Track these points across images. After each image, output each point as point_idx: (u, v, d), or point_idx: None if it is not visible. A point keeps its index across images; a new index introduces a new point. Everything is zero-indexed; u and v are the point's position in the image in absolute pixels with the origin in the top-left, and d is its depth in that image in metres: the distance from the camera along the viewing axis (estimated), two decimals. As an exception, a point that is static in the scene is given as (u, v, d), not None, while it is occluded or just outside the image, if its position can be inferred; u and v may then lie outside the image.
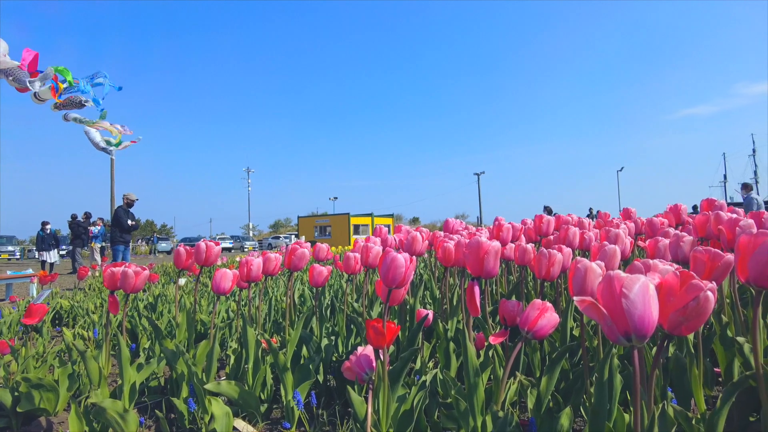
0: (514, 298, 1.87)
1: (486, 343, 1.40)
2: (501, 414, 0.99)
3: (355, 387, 1.40)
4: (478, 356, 1.41)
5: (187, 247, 1.90)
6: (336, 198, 49.05)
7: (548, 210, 10.02)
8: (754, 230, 1.27)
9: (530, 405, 1.26)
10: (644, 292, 0.60)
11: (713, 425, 1.03)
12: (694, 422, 1.07)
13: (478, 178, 39.25)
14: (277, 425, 1.60)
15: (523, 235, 2.16)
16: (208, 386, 1.54)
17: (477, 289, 1.10)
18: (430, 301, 2.27)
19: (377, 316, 1.99)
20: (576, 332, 1.65)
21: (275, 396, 1.79)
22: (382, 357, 1.03)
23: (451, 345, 1.52)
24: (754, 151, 45.13)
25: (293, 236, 29.33)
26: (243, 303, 3.00)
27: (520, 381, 1.35)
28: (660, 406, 0.98)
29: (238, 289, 3.08)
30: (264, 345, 1.68)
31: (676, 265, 1.11)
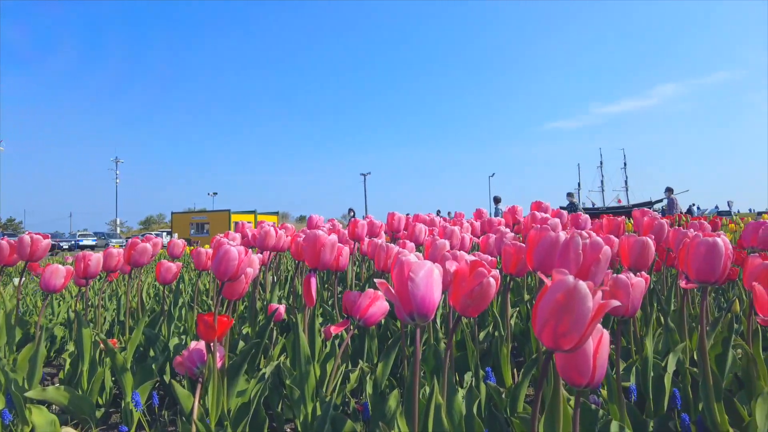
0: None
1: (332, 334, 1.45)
2: (327, 398, 1.04)
3: (186, 383, 1.36)
4: (324, 347, 1.45)
5: (11, 241, 1.69)
6: (216, 193, 46.60)
7: (496, 199, 10.51)
8: (559, 229, 1.47)
9: (369, 390, 1.33)
10: (428, 277, 0.68)
11: (516, 396, 1.18)
12: (504, 395, 1.22)
13: (365, 179, 39.98)
14: (114, 430, 1.50)
15: (383, 232, 2.27)
16: (29, 393, 1.39)
17: (314, 281, 1.14)
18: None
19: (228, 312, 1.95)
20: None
21: (116, 400, 1.67)
22: (213, 350, 1.02)
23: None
24: (601, 163, 51.84)
25: (166, 233, 27.28)
26: (91, 303, 2.74)
27: (361, 368, 1.42)
28: (469, 382, 1.10)
29: (87, 288, 2.80)
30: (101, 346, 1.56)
31: (485, 256, 1.25)
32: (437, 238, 1.36)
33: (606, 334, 0.66)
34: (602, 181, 51.60)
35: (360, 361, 1.47)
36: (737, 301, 1.67)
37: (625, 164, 51.17)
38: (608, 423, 0.87)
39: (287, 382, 1.15)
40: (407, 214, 2.59)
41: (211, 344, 1.02)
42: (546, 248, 0.90)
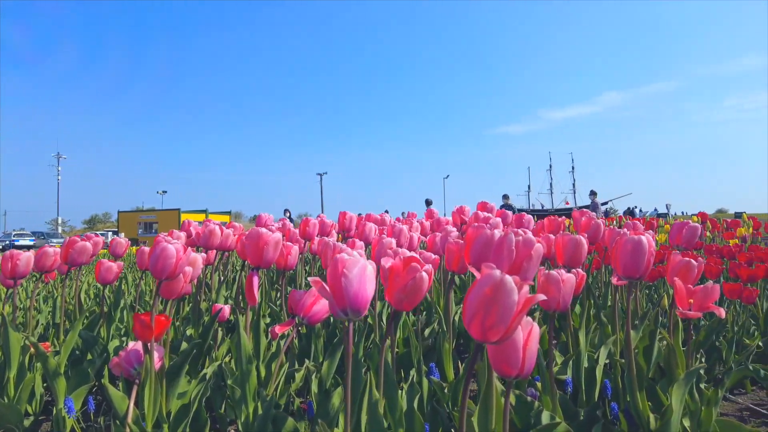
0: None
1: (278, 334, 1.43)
2: (268, 397, 1.03)
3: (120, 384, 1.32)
4: (270, 347, 1.44)
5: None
6: (165, 192, 44.90)
7: (428, 202, 10.71)
8: (499, 227, 1.52)
9: (314, 389, 1.33)
10: (361, 273, 0.69)
11: (458, 390, 1.21)
12: (447, 390, 1.24)
13: (321, 179, 39.68)
14: (44, 439, 1.43)
15: (334, 231, 2.27)
16: (-52, 404, 1.30)
17: (256, 280, 1.12)
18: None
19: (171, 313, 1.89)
20: (370, 319, 1.79)
21: (48, 407, 1.59)
22: (150, 350, 0.99)
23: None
24: (550, 166, 53.67)
25: (111, 233, 26.11)
26: (23, 305, 2.60)
27: (307, 367, 1.42)
28: (411, 378, 1.12)
29: (22, 289, 2.63)
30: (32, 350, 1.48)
31: (428, 254, 1.27)
32: (384, 236, 1.37)
33: (536, 327, 0.69)
34: (551, 184, 53.51)
35: (306, 361, 1.47)
36: (665, 296, 1.78)
37: (573, 167, 53.24)
38: (540, 413, 0.91)
39: (229, 382, 1.13)
40: (359, 214, 2.60)
41: (149, 344, 0.99)
42: (482, 245, 0.93)
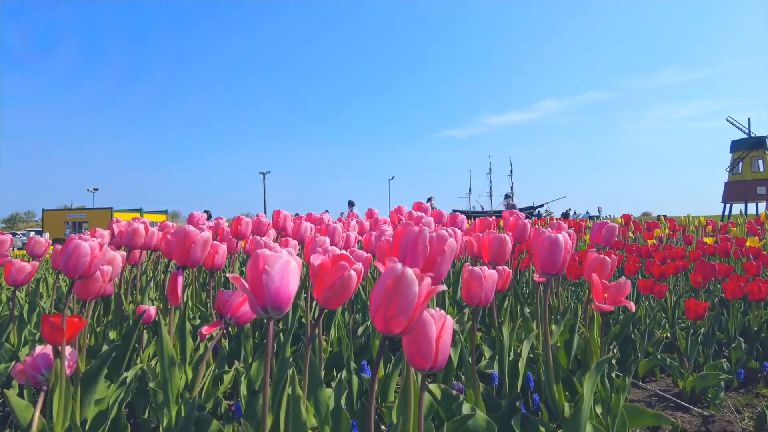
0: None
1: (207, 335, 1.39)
2: (191, 399, 1.00)
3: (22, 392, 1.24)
4: (198, 348, 1.40)
5: None
6: (96, 189, 42.28)
7: (350, 203, 10.83)
8: (431, 227, 1.55)
9: (243, 391, 1.30)
10: (284, 269, 0.68)
11: (387, 386, 1.23)
12: (376, 387, 1.26)
13: (264, 177, 38.83)
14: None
15: (271, 230, 2.23)
16: None
17: (180, 279, 1.09)
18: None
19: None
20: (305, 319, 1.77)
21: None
22: (61, 354, 0.94)
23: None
24: (490, 170, 55.40)
25: (34, 233, 24.31)
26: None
27: (236, 369, 1.38)
28: (339, 376, 1.12)
29: None
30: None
31: (360, 252, 1.28)
32: (318, 235, 1.37)
33: (449, 320, 0.71)
34: (491, 187, 55.22)
35: (236, 362, 1.44)
36: (588, 292, 1.88)
37: (511, 171, 55.17)
38: (461, 405, 0.94)
39: (151, 385, 1.09)
40: (296, 214, 2.57)
41: (60, 347, 0.93)
42: (404, 242, 0.95)
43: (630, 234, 3.91)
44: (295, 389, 0.84)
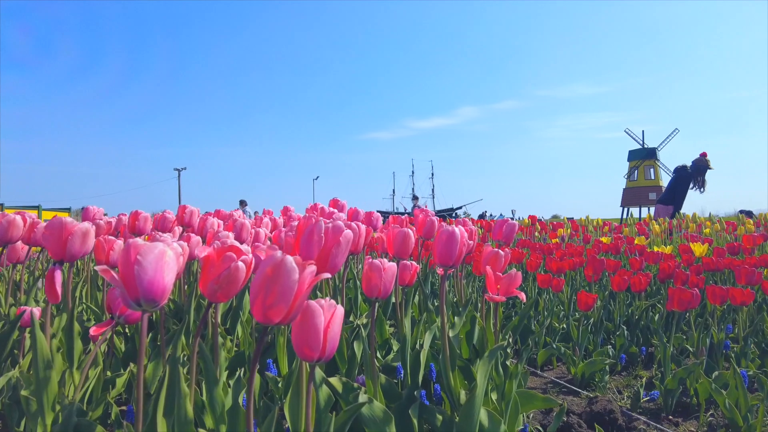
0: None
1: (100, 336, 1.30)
2: (68, 403, 0.92)
3: None
4: (87, 350, 1.30)
5: None
6: (-11, 185, 38.10)
7: (241, 203, 10.76)
8: (343, 220, 1.55)
9: (137, 393, 1.22)
10: (159, 260, 0.64)
11: (290, 383, 1.20)
12: (280, 384, 1.23)
13: (179, 174, 36.92)
14: None
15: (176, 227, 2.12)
16: None
17: (58, 275, 1.00)
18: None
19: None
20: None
21: None
22: None
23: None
24: (413, 172, 56.64)
25: None
26: None
27: (131, 371, 1.30)
28: (238, 374, 1.09)
29: None
30: None
31: (261, 246, 1.25)
32: (220, 230, 1.32)
33: (339, 309, 0.70)
34: (413, 189, 56.44)
35: (131, 364, 1.35)
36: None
37: (432, 174, 56.77)
38: (357, 395, 0.94)
39: (23, 392, 0.99)
40: (206, 212, 2.46)
41: None
42: (304, 235, 0.94)
43: (536, 234, 4.16)
44: (179, 387, 0.80)
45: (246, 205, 9.55)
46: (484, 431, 1.05)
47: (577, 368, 1.71)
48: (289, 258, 0.54)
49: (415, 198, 11.93)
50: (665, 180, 21.84)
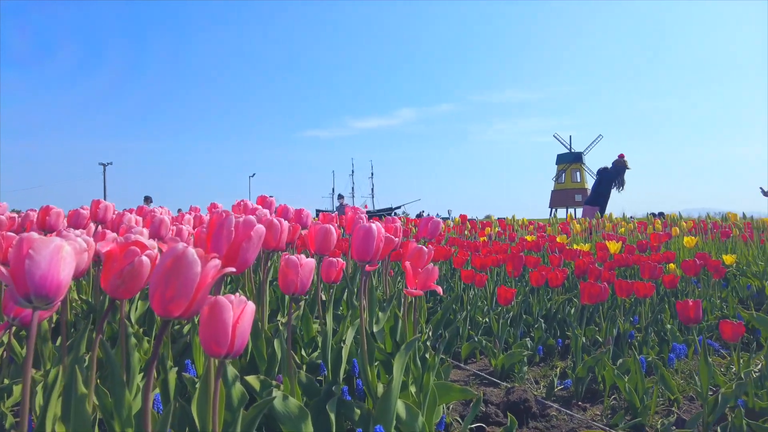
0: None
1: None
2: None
3: None
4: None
5: None
6: None
7: (146, 199, 10.55)
8: (266, 216, 1.53)
9: (39, 401, 1.15)
10: (54, 255, 0.61)
11: (206, 383, 1.18)
12: (197, 385, 1.20)
13: (104, 169, 34.80)
14: None
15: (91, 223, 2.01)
16: None
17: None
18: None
19: None
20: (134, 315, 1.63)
21: None
22: None
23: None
24: (353, 171, 56.73)
25: None
26: None
27: (32, 378, 1.22)
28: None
29: None
30: None
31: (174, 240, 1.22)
32: (134, 226, 1.27)
33: (250, 305, 0.70)
34: (353, 188, 56.55)
35: (33, 370, 1.26)
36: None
37: (372, 173, 57.14)
38: (271, 391, 0.94)
39: None
40: (128, 209, 2.35)
41: None
42: (214, 229, 0.92)
43: (466, 232, 4.30)
44: (77, 388, 0.76)
45: (151, 201, 9.04)
46: (402, 423, 1.08)
47: (497, 360, 1.79)
48: (191, 250, 0.54)
49: (340, 197, 12.58)
50: (590, 183, 23.24)
